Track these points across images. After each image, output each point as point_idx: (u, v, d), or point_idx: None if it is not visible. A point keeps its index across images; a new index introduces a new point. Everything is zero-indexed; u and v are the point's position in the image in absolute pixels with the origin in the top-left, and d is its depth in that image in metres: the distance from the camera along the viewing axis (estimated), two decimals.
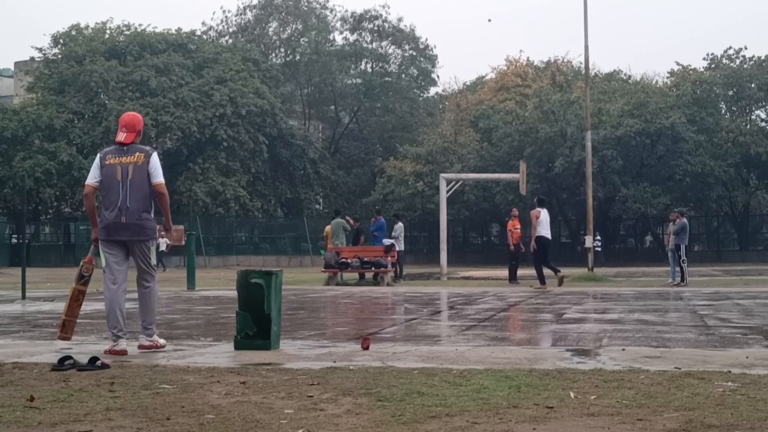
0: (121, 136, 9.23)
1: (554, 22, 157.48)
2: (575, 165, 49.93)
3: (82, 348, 9.30)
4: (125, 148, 9.20)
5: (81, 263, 9.79)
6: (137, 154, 9.13)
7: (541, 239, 23.69)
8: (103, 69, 52.44)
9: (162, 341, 9.41)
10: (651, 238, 65.56)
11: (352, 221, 31.08)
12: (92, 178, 9.32)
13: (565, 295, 19.48)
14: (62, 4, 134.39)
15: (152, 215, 9.26)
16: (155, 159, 9.21)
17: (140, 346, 9.22)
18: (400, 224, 30.21)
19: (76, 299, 9.52)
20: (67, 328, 9.40)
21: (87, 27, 58.91)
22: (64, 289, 23.69)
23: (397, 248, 28.49)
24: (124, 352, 8.92)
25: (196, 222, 50.22)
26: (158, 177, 9.16)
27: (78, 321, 12.94)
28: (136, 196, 9.07)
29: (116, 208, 9.11)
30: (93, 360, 7.85)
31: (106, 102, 52.82)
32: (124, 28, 59.73)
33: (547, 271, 23.54)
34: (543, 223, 23.87)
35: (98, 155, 9.46)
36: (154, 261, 9.42)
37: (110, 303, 9.38)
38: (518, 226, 27.98)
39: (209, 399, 6.22)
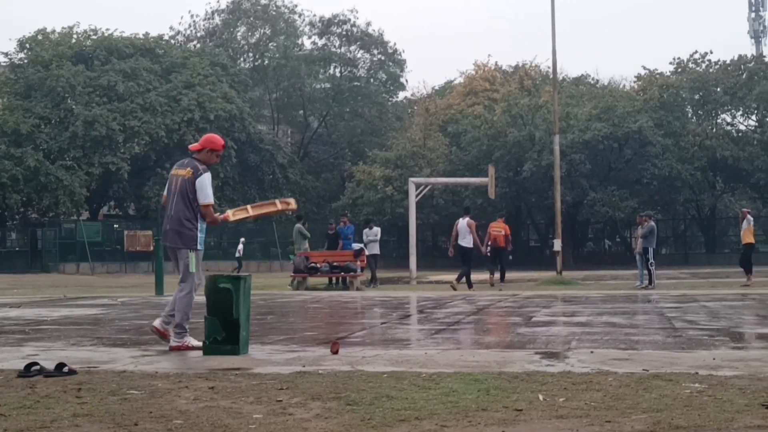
0: (194, 146, 10.10)
1: (522, 27, 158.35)
2: (543, 169, 50.09)
3: (49, 354, 9.22)
4: (186, 160, 9.95)
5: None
6: (188, 169, 9.78)
7: (456, 247, 26.26)
8: (70, 74, 52.11)
9: (195, 342, 9.64)
10: (609, 243, 65.58)
11: (333, 227, 31.11)
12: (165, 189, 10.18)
13: (534, 299, 19.54)
14: (28, 9, 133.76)
15: (193, 226, 9.67)
16: (202, 179, 9.68)
17: (171, 348, 9.56)
18: (378, 229, 30.29)
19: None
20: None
21: (53, 31, 58.50)
22: (31, 295, 23.56)
23: (375, 252, 28.71)
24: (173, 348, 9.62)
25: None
26: (202, 198, 9.66)
27: (45, 328, 12.90)
28: (178, 206, 9.67)
29: (166, 216, 9.83)
30: (60, 366, 7.79)
31: (73, 107, 52.45)
32: (91, 33, 59.37)
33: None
34: (460, 232, 26.09)
35: None
36: (193, 269, 9.71)
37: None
38: (498, 228, 28.34)
39: (177, 404, 6.18)
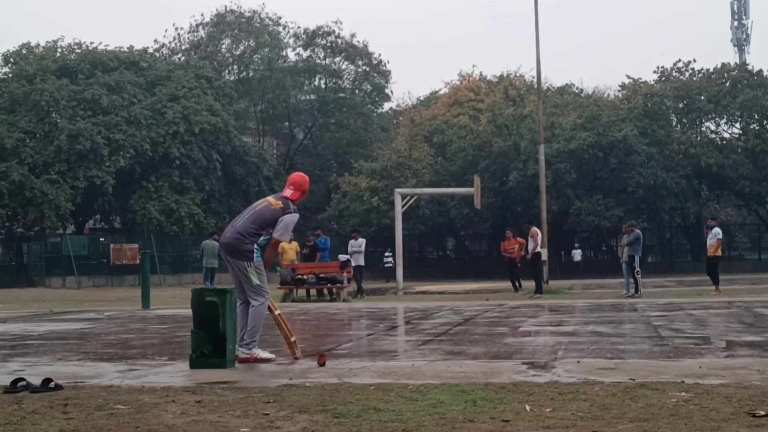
0: (286, 193, 9.96)
1: (506, 37, 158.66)
2: (529, 178, 50.17)
3: (36, 370, 9.19)
4: (282, 198, 9.90)
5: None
6: (280, 202, 9.77)
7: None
8: (54, 88, 51.93)
9: (265, 354, 9.74)
10: (581, 252, 65.11)
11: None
12: None
13: (520, 308, 19.55)
14: (13, 23, 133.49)
15: (251, 241, 9.67)
16: (288, 219, 9.71)
17: (238, 359, 9.50)
18: (363, 240, 30.33)
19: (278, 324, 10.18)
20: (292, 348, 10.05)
21: (38, 45, 58.44)
22: (17, 310, 23.45)
23: (360, 264, 28.76)
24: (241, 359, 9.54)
25: (150, 240, 49.90)
26: (277, 234, 9.69)
27: (31, 343, 12.86)
28: (247, 222, 9.73)
29: (230, 225, 10.02)
30: (46, 381, 7.77)
31: (58, 121, 52.25)
32: (75, 47, 59.32)
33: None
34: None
35: None
36: (256, 281, 9.73)
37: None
38: (515, 246, 29.12)
39: (164, 419, 6.17)
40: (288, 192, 9.99)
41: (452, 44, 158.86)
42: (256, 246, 9.73)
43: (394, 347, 11.72)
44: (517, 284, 29.18)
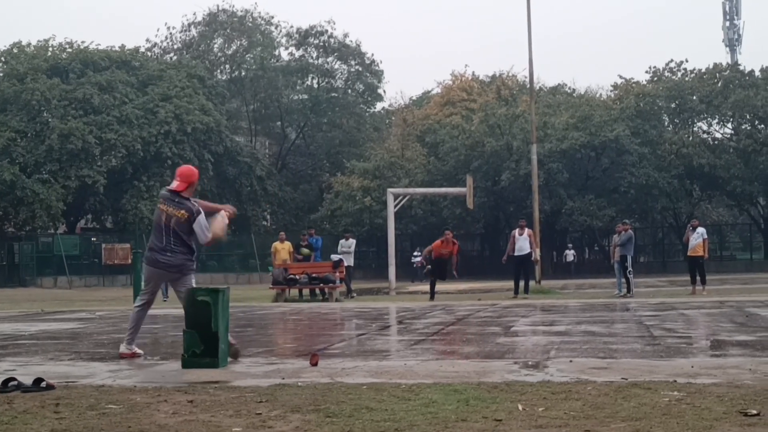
0: (173, 185, 10.08)
1: (499, 37, 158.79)
2: (521, 178, 50.20)
3: (27, 369, 9.16)
4: (176, 199, 9.98)
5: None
6: (183, 211, 9.88)
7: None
8: (45, 87, 51.89)
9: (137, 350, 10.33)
10: (574, 253, 64.93)
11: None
12: None
13: (513, 308, 19.55)
14: (3, 22, 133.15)
15: (191, 255, 10.08)
16: (200, 221, 9.89)
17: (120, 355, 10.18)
18: (353, 240, 30.27)
19: None
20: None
21: (29, 44, 58.37)
22: (8, 310, 23.39)
23: (349, 264, 28.63)
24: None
25: (142, 240, 49.82)
26: (204, 238, 9.92)
27: (23, 342, 12.81)
28: (177, 242, 9.91)
29: (161, 248, 9.94)
30: (38, 381, 7.74)
31: (49, 120, 52.22)
32: (67, 46, 59.25)
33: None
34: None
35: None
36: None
37: (137, 318, 10.34)
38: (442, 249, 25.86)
39: (156, 418, 6.16)
40: (174, 184, 10.10)
41: (445, 44, 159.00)
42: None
43: (386, 347, 11.71)
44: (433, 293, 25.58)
